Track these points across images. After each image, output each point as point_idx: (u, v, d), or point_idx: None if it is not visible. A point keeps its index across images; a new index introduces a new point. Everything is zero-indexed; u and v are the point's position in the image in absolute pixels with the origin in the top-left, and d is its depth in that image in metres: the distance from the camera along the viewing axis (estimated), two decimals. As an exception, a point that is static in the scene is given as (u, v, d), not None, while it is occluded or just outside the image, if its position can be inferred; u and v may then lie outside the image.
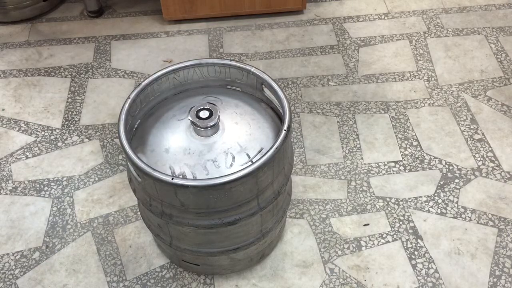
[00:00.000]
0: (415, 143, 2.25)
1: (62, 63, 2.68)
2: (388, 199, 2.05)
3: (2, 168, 2.19)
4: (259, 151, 1.43)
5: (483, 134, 2.28)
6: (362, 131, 2.30)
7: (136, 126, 1.56)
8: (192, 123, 1.42)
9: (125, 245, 1.93)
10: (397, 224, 1.97)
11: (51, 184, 2.13)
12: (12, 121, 2.39)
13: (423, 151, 2.21)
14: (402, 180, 2.11)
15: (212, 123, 1.41)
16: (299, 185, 2.10)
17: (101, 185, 2.12)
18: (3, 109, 2.45)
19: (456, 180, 2.11)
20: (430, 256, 1.87)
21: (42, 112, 2.42)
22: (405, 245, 1.91)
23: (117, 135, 2.17)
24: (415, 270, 1.84)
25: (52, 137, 2.31)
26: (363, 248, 1.90)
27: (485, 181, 2.10)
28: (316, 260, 1.87)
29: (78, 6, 3.06)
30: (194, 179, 1.37)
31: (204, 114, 1.42)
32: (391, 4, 3.00)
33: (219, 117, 1.42)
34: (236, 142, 1.45)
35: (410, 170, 2.15)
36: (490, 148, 2.22)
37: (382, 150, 2.22)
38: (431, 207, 2.02)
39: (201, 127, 1.41)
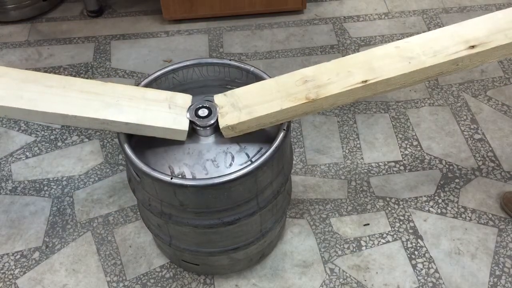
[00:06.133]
0: (415, 143, 2.25)
1: (62, 63, 2.68)
2: (388, 199, 2.05)
3: (2, 168, 2.19)
4: (259, 151, 1.43)
5: (483, 134, 2.27)
6: (362, 131, 2.30)
7: (135, 126, 1.56)
8: (192, 122, 1.41)
9: (125, 245, 1.93)
10: (397, 224, 1.97)
11: (51, 184, 2.13)
12: (12, 121, 2.39)
13: (423, 151, 2.21)
14: (402, 180, 2.11)
15: (211, 122, 1.40)
16: (299, 185, 2.10)
17: (101, 185, 2.12)
18: (3, 109, 2.44)
19: (456, 180, 2.10)
20: (430, 256, 1.87)
21: (42, 112, 2.42)
22: (405, 245, 1.91)
23: (116, 135, 2.17)
24: (415, 270, 1.83)
25: (52, 137, 2.31)
26: (363, 248, 1.90)
27: (485, 181, 2.10)
28: (316, 260, 1.87)
29: (78, 5, 3.05)
30: (193, 178, 1.37)
31: (203, 112, 1.41)
32: (391, 4, 3.00)
33: (218, 115, 1.41)
34: (235, 142, 1.44)
35: (410, 170, 2.14)
36: (490, 148, 2.22)
37: (382, 150, 2.22)
38: (431, 207, 2.02)
39: (201, 127, 1.41)
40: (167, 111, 1.39)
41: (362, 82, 1.33)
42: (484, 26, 1.36)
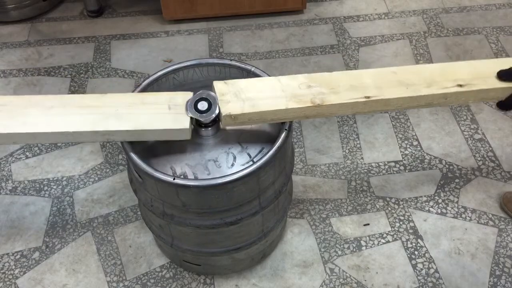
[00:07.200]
0: (415, 142, 2.25)
1: (62, 62, 2.68)
2: (388, 199, 2.05)
3: (2, 168, 2.19)
4: (260, 151, 1.43)
5: (483, 134, 2.28)
6: (362, 131, 2.30)
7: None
8: (196, 122, 1.39)
9: (125, 245, 1.93)
10: (397, 224, 1.97)
11: (51, 184, 2.13)
12: (12, 120, 2.39)
13: (423, 151, 2.21)
14: (402, 180, 2.11)
15: (213, 116, 1.35)
16: (299, 185, 2.10)
17: (101, 185, 2.12)
18: (3, 109, 2.44)
19: (456, 180, 2.11)
20: (430, 256, 1.87)
21: (42, 112, 2.42)
22: (405, 245, 1.91)
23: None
24: (415, 270, 1.84)
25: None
26: (363, 248, 1.90)
27: (485, 181, 2.10)
28: (316, 260, 1.87)
29: (78, 5, 3.05)
30: (196, 179, 1.36)
31: (202, 106, 1.36)
32: (391, 4, 3.00)
33: (219, 102, 1.36)
34: (237, 142, 1.45)
35: (410, 170, 2.15)
36: (490, 148, 2.22)
37: (382, 150, 2.22)
38: (431, 207, 2.02)
39: (203, 125, 1.40)
40: (167, 112, 1.38)
41: (365, 97, 1.40)
42: (471, 70, 1.50)
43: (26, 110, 1.38)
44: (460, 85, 1.45)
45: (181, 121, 1.35)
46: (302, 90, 1.40)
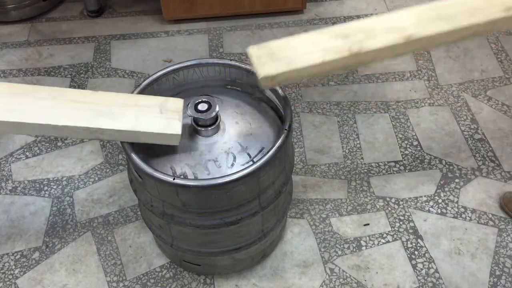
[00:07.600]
0: (415, 143, 2.25)
1: (62, 62, 2.68)
2: (388, 199, 2.05)
3: (2, 168, 2.19)
4: (260, 151, 1.43)
5: (483, 134, 2.28)
6: (362, 131, 2.30)
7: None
8: (193, 120, 1.40)
9: (125, 245, 1.93)
10: (397, 224, 1.97)
11: (51, 184, 2.13)
12: (11, 120, 2.39)
13: (423, 151, 2.21)
14: (402, 180, 2.11)
15: (212, 115, 1.37)
16: (299, 185, 2.10)
17: (101, 185, 2.12)
18: (3, 109, 2.44)
19: (456, 180, 2.11)
20: (430, 256, 1.87)
21: (42, 112, 2.42)
22: (405, 245, 1.91)
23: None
24: (415, 270, 1.84)
25: (52, 136, 2.31)
26: (363, 248, 1.90)
27: (485, 181, 2.10)
28: (316, 260, 1.87)
29: (78, 5, 3.05)
30: (196, 179, 1.36)
31: (202, 107, 1.39)
32: (391, 4, 3.00)
33: (218, 111, 1.39)
34: (237, 142, 1.45)
35: (410, 170, 2.15)
36: (490, 148, 2.22)
37: (382, 150, 2.22)
38: (431, 207, 2.02)
39: (202, 126, 1.41)
40: (158, 116, 1.37)
41: (405, 37, 1.32)
42: None
43: (14, 98, 1.32)
44: (509, 8, 1.34)
45: (172, 127, 1.35)
46: (337, 41, 1.33)
